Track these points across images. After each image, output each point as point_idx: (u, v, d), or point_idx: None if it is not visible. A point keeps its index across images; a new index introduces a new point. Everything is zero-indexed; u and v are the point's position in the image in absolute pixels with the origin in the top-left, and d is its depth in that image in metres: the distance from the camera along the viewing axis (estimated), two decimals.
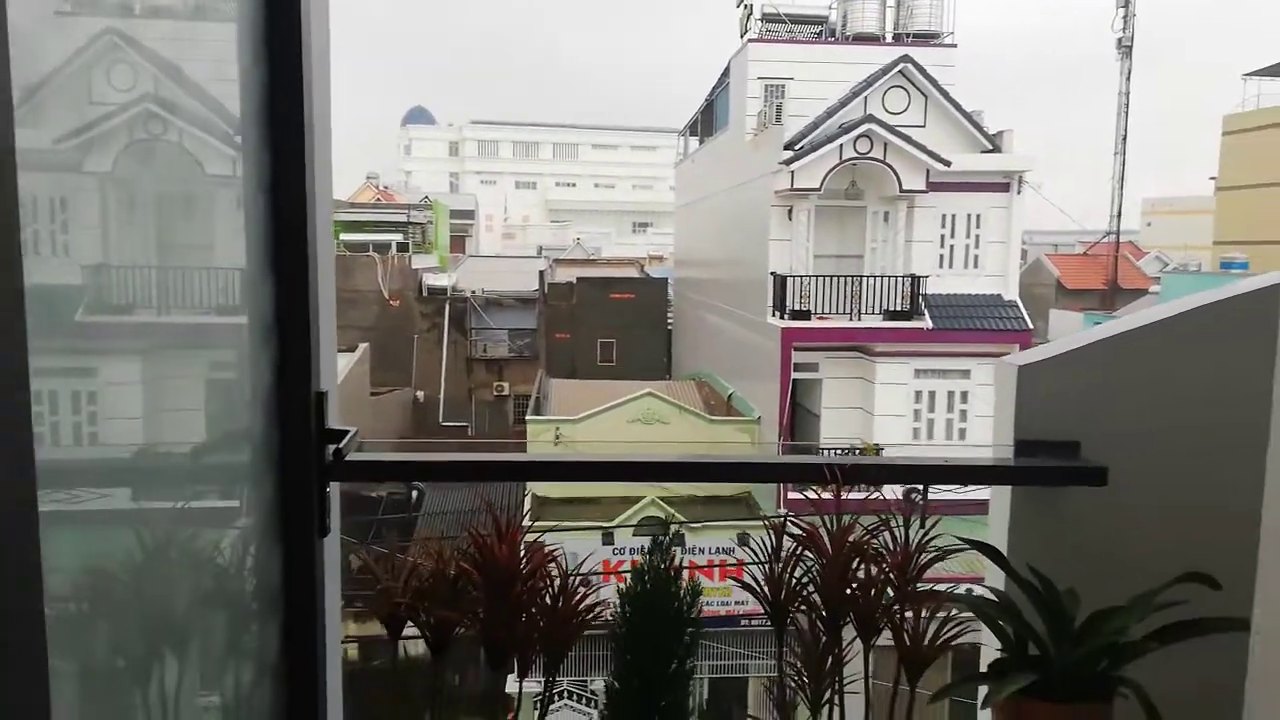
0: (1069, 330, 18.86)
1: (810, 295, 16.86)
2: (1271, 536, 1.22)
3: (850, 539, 1.80)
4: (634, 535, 13.67)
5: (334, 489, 1.64)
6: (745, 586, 1.83)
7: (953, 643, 1.83)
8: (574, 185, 65.75)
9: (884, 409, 16.58)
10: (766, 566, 1.80)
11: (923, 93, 17.59)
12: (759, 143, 18.48)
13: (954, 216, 17.18)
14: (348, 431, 1.58)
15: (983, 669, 1.78)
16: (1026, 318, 16.90)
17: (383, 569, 1.86)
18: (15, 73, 0.78)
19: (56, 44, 1.03)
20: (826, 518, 1.78)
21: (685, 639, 1.85)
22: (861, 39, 19.45)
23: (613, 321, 26.85)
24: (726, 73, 21.25)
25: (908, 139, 16.47)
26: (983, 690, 1.66)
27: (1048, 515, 1.99)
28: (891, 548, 1.81)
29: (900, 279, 16.81)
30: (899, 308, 16.72)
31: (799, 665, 1.78)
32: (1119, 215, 26.13)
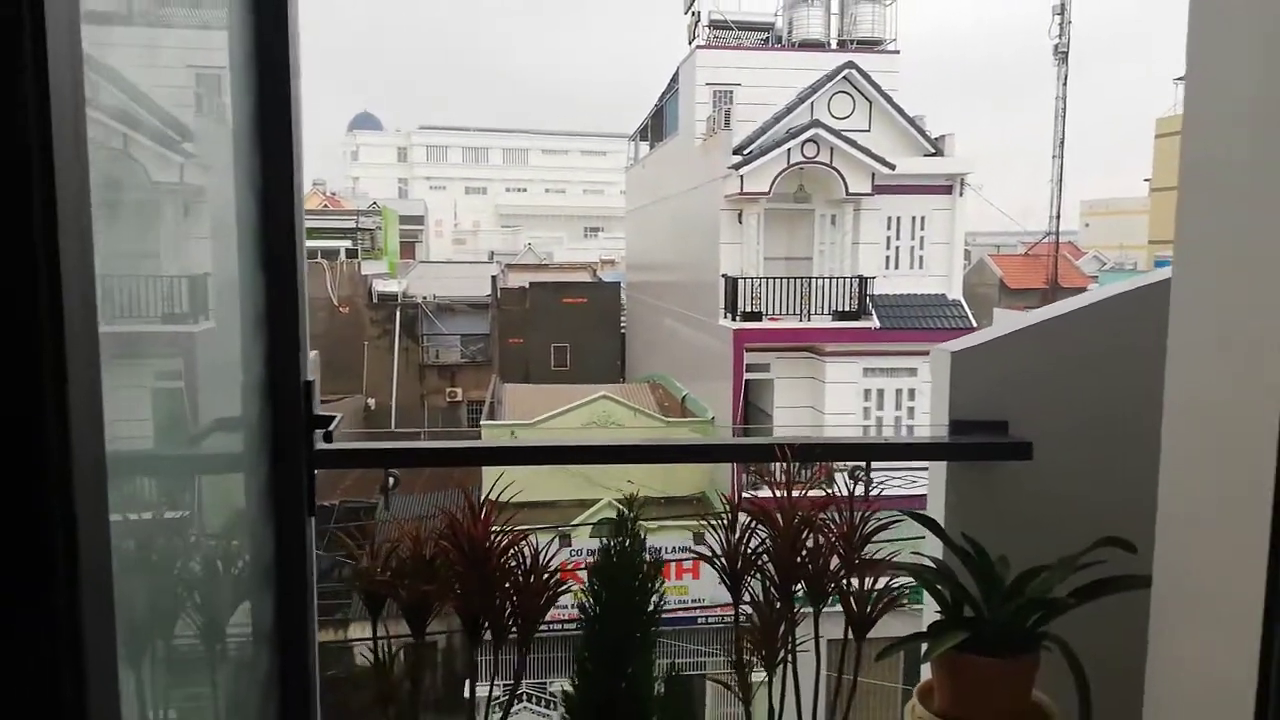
0: None
1: (761, 297, 17.11)
2: (1166, 500, 1.39)
3: (800, 513, 1.95)
4: (590, 537, 13.75)
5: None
6: (702, 557, 1.98)
7: (894, 606, 1.98)
8: (524, 190, 65.42)
9: (834, 407, 16.87)
10: (723, 536, 1.95)
11: (867, 98, 17.97)
12: (708, 148, 18.69)
13: (899, 219, 17.57)
14: (333, 417, 1.69)
15: (924, 629, 1.94)
16: (970, 316, 17.31)
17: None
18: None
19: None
20: (778, 492, 1.93)
21: (650, 608, 2.00)
22: (807, 45, 19.78)
23: (566, 326, 26.85)
24: (675, 79, 21.42)
25: (853, 143, 16.80)
26: (924, 648, 1.82)
27: (980, 488, 2.17)
28: (838, 520, 1.96)
29: (848, 280, 17.12)
30: (848, 308, 17.04)
31: (756, 626, 1.92)
32: (1058, 216, 26.76)
